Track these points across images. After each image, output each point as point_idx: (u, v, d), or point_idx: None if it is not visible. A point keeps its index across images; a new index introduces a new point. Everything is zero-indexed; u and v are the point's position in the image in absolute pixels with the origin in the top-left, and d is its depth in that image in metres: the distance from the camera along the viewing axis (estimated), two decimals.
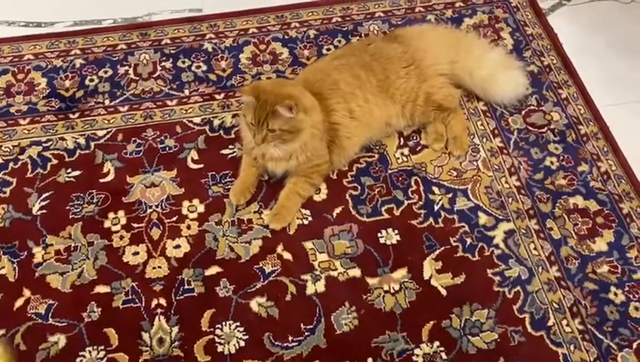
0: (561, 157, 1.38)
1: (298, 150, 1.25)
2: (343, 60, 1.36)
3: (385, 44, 1.39)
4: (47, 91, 1.46)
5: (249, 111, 1.19)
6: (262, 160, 1.29)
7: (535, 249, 1.24)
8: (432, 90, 1.36)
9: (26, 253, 1.22)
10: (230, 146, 1.38)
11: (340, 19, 1.63)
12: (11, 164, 1.34)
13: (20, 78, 1.48)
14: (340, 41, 1.59)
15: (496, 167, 1.36)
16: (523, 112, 1.45)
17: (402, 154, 1.39)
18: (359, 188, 1.33)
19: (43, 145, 1.37)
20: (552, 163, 1.37)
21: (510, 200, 1.31)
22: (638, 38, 1.62)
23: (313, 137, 1.25)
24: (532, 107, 1.46)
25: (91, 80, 1.48)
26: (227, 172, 1.35)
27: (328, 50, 1.57)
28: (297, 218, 1.28)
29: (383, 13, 1.64)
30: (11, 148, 1.37)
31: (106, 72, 1.50)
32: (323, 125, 1.27)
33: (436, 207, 1.30)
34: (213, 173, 1.34)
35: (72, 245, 1.23)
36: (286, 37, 1.59)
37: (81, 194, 1.30)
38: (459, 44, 1.43)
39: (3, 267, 1.20)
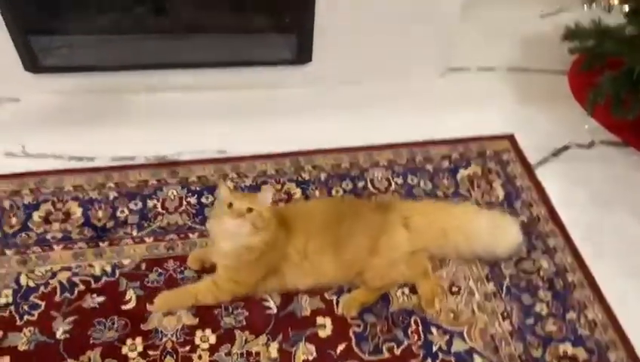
0: (550, 304, 1.48)
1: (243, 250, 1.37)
2: (327, 207, 1.54)
3: (371, 211, 1.52)
4: (82, 221, 1.61)
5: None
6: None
7: None
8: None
9: None
10: None
11: (348, 166, 1.81)
12: (42, 288, 1.45)
13: (59, 207, 1.64)
14: (347, 185, 1.76)
15: (490, 311, 1.46)
16: (514, 259, 1.57)
17: (403, 293, 1.49)
18: (362, 325, 1.42)
19: (72, 271, 1.49)
20: (542, 309, 1.47)
21: (503, 344, 1.40)
22: (617, 193, 1.79)
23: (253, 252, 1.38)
24: (522, 254, 1.59)
25: (122, 211, 1.64)
26: (239, 304, 1.45)
27: (337, 191, 1.74)
28: (303, 353, 1.36)
29: (386, 161, 1.83)
30: (44, 272, 1.49)
31: (136, 205, 1.66)
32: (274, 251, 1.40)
33: (434, 348, 1.38)
34: (227, 304, 1.45)
35: None
36: (299, 179, 1.77)
37: (104, 320, 1.40)
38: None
39: None
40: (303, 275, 1.44)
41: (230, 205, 1.36)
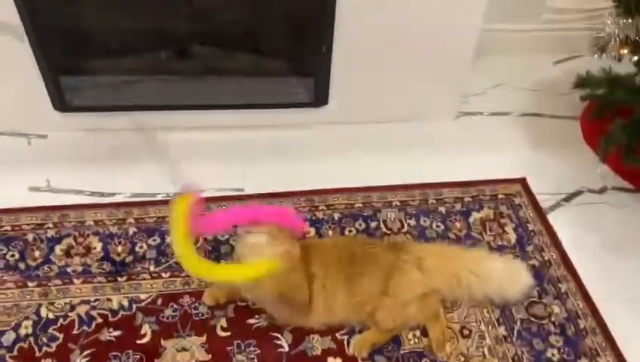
0: (562, 350, 1.48)
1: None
2: (340, 245, 1.56)
3: (384, 251, 1.53)
4: (101, 255, 1.66)
5: None
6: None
7: None
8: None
9: None
10: (256, 316, 1.52)
11: (361, 205, 1.85)
12: (61, 320, 1.49)
13: (80, 241, 1.69)
14: (360, 225, 1.79)
15: (501, 355, 1.46)
16: (525, 303, 1.58)
17: (414, 335, 1.50)
18: None
19: (91, 304, 1.53)
20: (553, 354, 1.47)
21: None
22: (629, 239, 1.79)
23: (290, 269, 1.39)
24: (534, 299, 1.59)
25: (141, 247, 1.68)
26: (251, 341, 1.47)
27: (350, 231, 1.77)
28: None
29: (399, 202, 1.87)
30: (63, 304, 1.53)
31: (154, 241, 1.70)
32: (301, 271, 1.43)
33: None
34: (239, 341, 1.47)
35: None
36: (314, 218, 1.81)
37: (119, 354, 1.43)
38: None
39: None
40: (323, 308, 1.45)
41: None
